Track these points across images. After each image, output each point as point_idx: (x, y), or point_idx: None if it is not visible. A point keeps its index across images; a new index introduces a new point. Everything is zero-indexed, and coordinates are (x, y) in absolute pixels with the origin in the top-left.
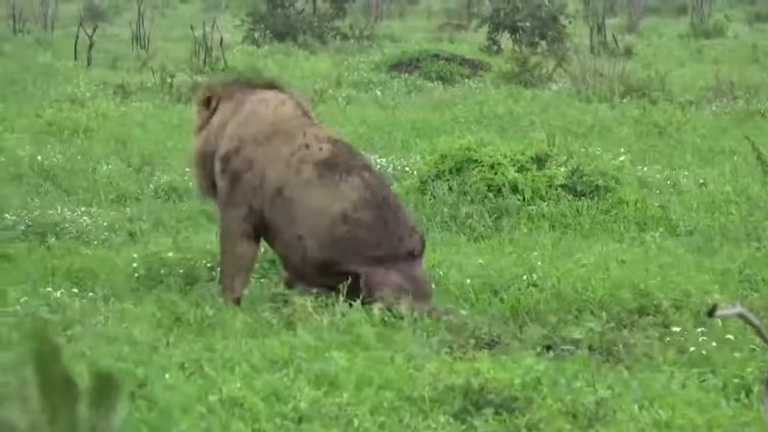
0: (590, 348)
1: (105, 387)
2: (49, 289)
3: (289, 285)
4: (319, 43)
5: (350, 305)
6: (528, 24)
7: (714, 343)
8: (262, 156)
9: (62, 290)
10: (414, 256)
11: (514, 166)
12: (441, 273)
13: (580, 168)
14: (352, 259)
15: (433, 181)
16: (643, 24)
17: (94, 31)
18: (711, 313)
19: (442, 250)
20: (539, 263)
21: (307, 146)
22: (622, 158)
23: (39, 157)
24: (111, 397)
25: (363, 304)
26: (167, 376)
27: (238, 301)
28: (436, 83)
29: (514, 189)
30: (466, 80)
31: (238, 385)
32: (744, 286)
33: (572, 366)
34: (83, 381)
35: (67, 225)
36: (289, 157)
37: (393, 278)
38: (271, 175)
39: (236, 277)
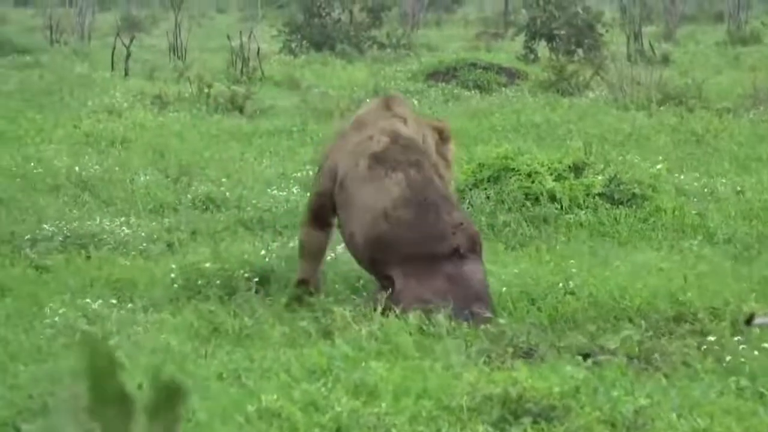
0: (628, 356)
1: (167, 396)
2: (88, 300)
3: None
4: (356, 53)
5: (387, 315)
6: (564, 32)
7: (752, 352)
8: (337, 145)
9: (100, 301)
10: (460, 254)
11: (551, 174)
12: None
13: (618, 176)
14: (391, 260)
15: (470, 189)
16: (680, 32)
17: (131, 41)
18: (749, 321)
19: None
20: (577, 271)
21: (371, 138)
22: (659, 166)
23: (77, 168)
24: (174, 407)
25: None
26: (205, 386)
27: (301, 282)
28: (473, 92)
29: (552, 197)
30: (503, 89)
31: (276, 395)
32: None
33: (610, 374)
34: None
35: (105, 236)
36: (354, 147)
37: (418, 291)
38: (340, 165)
39: (302, 260)
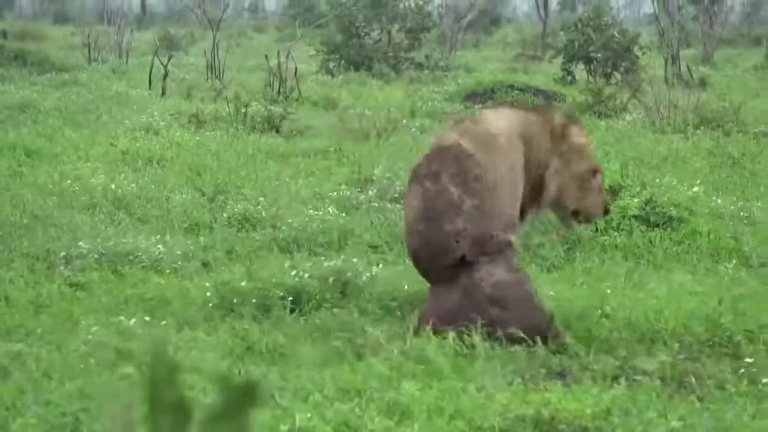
0: (662, 379)
1: (238, 401)
2: (122, 317)
3: None
4: (393, 73)
5: (420, 335)
6: (601, 55)
7: None
8: None
9: (134, 319)
10: (468, 261)
11: None
12: None
13: (654, 199)
14: (424, 275)
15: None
16: (718, 55)
17: (169, 60)
18: None
19: None
20: (611, 294)
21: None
22: (695, 189)
23: (113, 186)
24: (244, 412)
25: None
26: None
27: None
28: None
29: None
30: None
31: (310, 414)
32: None
33: (643, 396)
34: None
35: (140, 254)
36: None
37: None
38: None
39: None
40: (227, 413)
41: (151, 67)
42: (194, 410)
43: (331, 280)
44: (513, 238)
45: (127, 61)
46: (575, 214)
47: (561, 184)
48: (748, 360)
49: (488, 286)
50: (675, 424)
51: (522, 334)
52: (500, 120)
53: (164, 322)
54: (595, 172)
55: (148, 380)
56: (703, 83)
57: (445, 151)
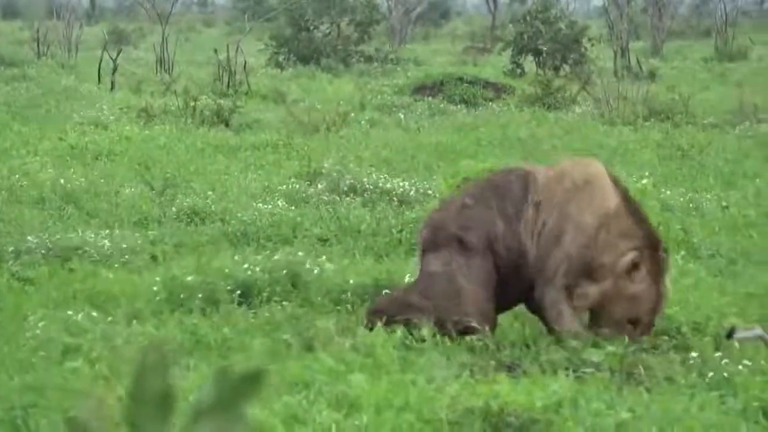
0: (611, 370)
1: (240, 390)
2: (70, 312)
3: None
4: (342, 66)
5: (371, 328)
6: (550, 47)
7: (734, 367)
8: None
9: (82, 314)
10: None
11: None
12: None
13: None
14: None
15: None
16: (667, 47)
17: (118, 54)
18: (729, 335)
19: None
20: None
21: None
22: (644, 181)
23: (62, 181)
24: (243, 403)
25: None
26: (189, 398)
27: None
28: (459, 106)
29: None
30: (490, 103)
31: (258, 408)
32: (766, 308)
33: (592, 388)
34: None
35: (88, 248)
36: None
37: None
38: None
39: None
40: (223, 404)
41: (100, 61)
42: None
43: (280, 273)
44: (470, 237)
45: (76, 56)
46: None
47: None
48: (696, 352)
49: (423, 275)
50: (624, 415)
51: (475, 325)
52: (611, 191)
53: (109, 318)
54: (635, 322)
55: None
56: (652, 75)
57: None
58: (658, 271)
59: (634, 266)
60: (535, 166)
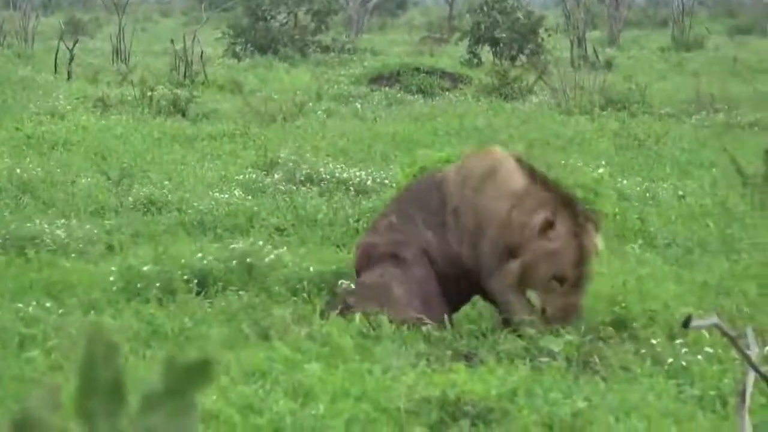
0: (567, 360)
1: (187, 380)
2: (27, 302)
3: None
4: (299, 56)
5: (327, 317)
6: (507, 36)
7: (691, 356)
8: None
9: (35, 303)
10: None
11: None
12: None
13: (560, 180)
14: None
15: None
16: (624, 37)
17: (75, 44)
18: (686, 324)
19: None
20: None
21: None
22: (601, 170)
23: (18, 170)
24: (192, 393)
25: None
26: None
27: None
28: (416, 96)
29: None
30: (446, 93)
31: (215, 397)
32: (722, 298)
33: (549, 377)
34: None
35: (45, 238)
36: None
37: None
38: None
39: None
40: (172, 393)
41: (57, 51)
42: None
43: (236, 262)
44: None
45: (32, 46)
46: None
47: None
48: (653, 340)
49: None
50: (580, 404)
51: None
52: (516, 172)
53: (61, 309)
54: (561, 279)
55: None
56: (609, 65)
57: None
58: (576, 226)
59: (549, 225)
60: (446, 168)
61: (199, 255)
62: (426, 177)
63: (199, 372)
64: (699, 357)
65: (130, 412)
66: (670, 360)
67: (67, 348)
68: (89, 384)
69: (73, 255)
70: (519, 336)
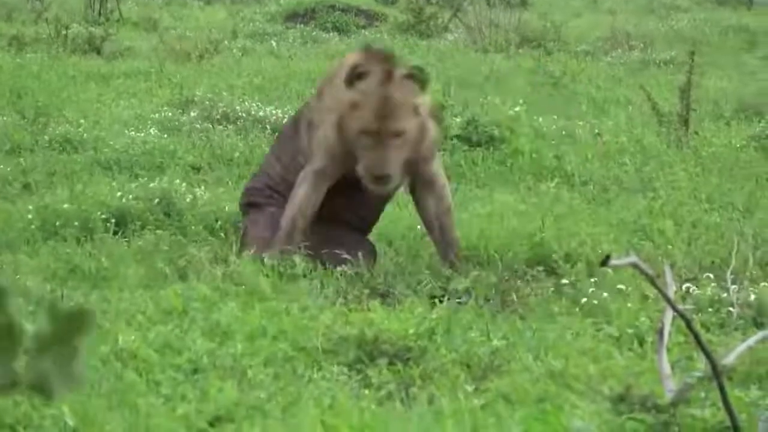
0: (485, 298)
1: (68, 327)
2: None
3: None
4: None
5: (243, 256)
6: None
7: (608, 294)
8: None
9: None
10: None
11: None
12: None
13: (476, 118)
14: None
15: None
16: None
17: None
18: (604, 263)
19: None
20: None
21: None
22: (517, 108)
23: None
24: (75, 337)
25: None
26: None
27: None
28: (331, 34)
29: None
30: (362, 31)
31: (133, 336)
32: (638, 236)
33: (466, 316)
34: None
35: None
36: None
37: None
38: None
39: None
40: (57, 339)
41: None
42: (23, 335)
43: (154, 202)
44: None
45: None
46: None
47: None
48: (570, 279)
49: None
50: (497, 342)
51: (347, 256)
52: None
53: None
54: (371, 133)
55: None
56: (524, 3)
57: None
58: (384, 80)
59: (358, 76)
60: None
61: (118, 194)
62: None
63: (78, 321)
64: (615, 296)
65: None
66: (587, 299)
67: None
68: None
69: None
70: (436, 276)
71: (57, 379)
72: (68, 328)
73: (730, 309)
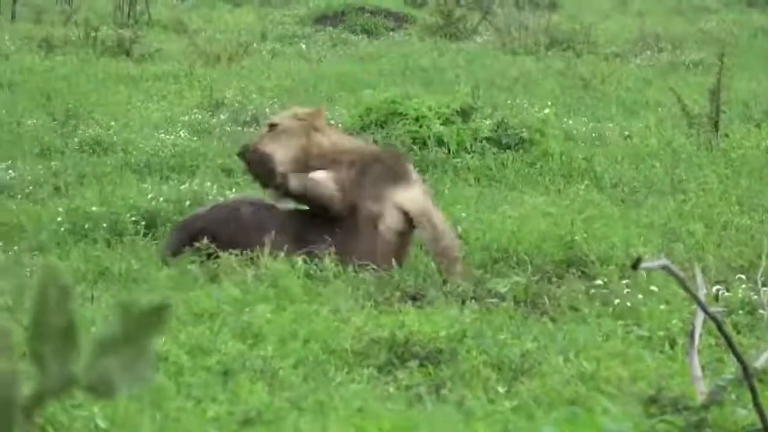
0: (515, 301)
1: (143, 324)
2: None
3: None
4: None
5: (274, 258)
6: None
7: (639, 296)
8: None
9: None
10: None
11: (438, 119)
12: None
13: (505, 121)
14: None
15: (357, 134)
16: None
17: None
18: (635, 265)
19: None
20: (464, 216)
21: None
22: (546, 111)
23: None
24: (148, 337)
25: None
26: (92, 330)
27: None
28: (360, 36)
29: (439, 142)
30: (391, 33)
31: (163, 338)
32: (668, 238)
33: (497, 318)
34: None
35: None
36: None
37: None
38: None
39: None
40: (128, 338)
41: None
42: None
43: (185, 204)
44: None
45: None
46: None
47: None
48: (601, 281)
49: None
50: (529, 345)
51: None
52: None
53: (15, 247)
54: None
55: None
56: (553, 5)
57: None
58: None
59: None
60: None
61: (148, 196)
62: None
63: (153, 317)
64: (646, 298)
65: (83, 355)
66: (618, 301)
67: (17, 290)
68: (41, 328)
69: (19, 197)
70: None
71: (120, 378)
72: (140, 327)
73: (761, 311)
